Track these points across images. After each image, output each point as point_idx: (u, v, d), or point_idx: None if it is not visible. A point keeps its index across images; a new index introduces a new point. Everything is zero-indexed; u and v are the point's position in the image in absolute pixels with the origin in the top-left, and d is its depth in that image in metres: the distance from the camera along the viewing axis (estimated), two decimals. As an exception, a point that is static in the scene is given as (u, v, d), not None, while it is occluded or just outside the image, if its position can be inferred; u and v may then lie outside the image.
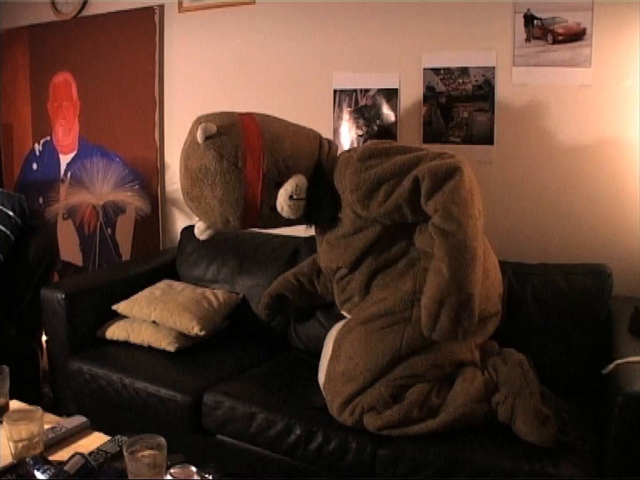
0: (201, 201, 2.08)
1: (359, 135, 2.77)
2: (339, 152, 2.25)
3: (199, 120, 2.10)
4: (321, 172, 2.13)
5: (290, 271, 2.53)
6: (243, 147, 2.02)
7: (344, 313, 2.24)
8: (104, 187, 3.54)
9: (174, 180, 3.33)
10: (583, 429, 1.89)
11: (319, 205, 2.11)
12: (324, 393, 2.05)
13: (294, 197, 2.06)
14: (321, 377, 2.13)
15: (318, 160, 2.16)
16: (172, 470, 1.36)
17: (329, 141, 2.25)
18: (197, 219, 2.22)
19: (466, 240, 1.82)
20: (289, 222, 2.17)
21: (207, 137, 2.01)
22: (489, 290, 2.04)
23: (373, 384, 1.93)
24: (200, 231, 2.23)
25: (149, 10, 3.25)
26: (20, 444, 1.52)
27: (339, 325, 2.19)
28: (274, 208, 2.09)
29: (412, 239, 2.04)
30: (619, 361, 1.76)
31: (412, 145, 2.19)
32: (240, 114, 2.13)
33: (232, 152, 2.01)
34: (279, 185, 2.06)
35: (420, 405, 1.88)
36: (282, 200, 2.07)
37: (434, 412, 1.88)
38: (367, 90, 2.73)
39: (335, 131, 2.82)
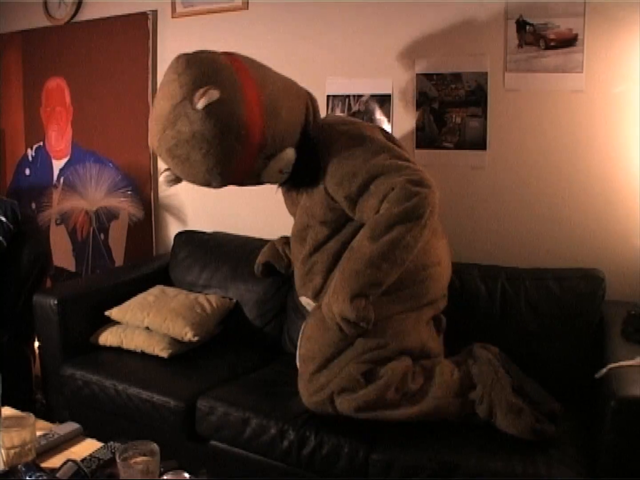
0: (185, 163, 1.93)
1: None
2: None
3: (188, 70, 1.86)
4: (307, 139, 2.09)
5: (281, 240, 2.57)
6: (245, 116, 1.89)
7: (302, 300, 2.23)
8: (97, 193, 3.54)
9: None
10: (575, 431, 1.90)
11: (302, 174, 2.09)
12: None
13: (284, 171, 2.05)
14: None
15: (305, 125, 2.11)
16: (165, 477, 1.36)
17: (311, 98, 2.19)
18: (166, 173, 2.10)
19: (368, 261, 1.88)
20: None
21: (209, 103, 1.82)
22: (441, 276, 2.12)
23: (335, 357, 1.94)
24: (169, 180, 2.10)
25: (142, 16, 3.25)
26: (12, 451, 1.50)
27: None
28: (260, 175, 2.06)
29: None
30: (611, 365, 1.77)
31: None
32: (233, 63, 1.96)
33: (234, 125, 1.87)
34: (270, 157, 2.01)
35: (397, 388, 1.89)
36: (272, 173, 2.04)
37: (410, 399, 1.90)
38: (360, 96, 2.74)
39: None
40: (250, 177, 2.07)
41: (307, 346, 2.02)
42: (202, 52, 1.97)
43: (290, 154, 2.04)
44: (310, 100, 2.18)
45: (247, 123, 1.90)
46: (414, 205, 1.86)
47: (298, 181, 2.14)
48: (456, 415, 1.92)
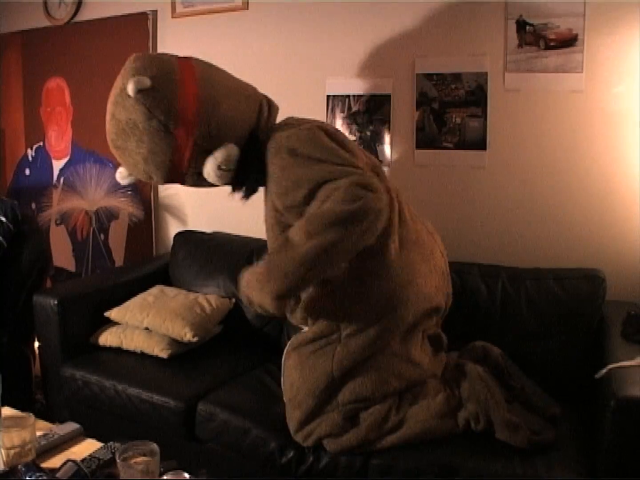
0: (125, 153, 1.99)
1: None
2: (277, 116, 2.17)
3: (134, 63, 1.97)
4: (255, 142, 2.02)
5: None
6: (176, 107, 1.90)
7: (287, 314, 2.16)
8: (97, 193, 3.54)
9: (167, 186, 3.32)
10: (575, 432, 1.91)
11: (247, 177, 2.03)
12: None
13: (222, 167, 1.99)
14: None
15: (254, 127, 2.05)
16: (165, 477, 1.36)
17: (269, 104, 2.14)
18: (120, 168, 2.15)
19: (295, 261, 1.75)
20: (215, 185, 2.10)
21: (139, 90, 1.87)
22: (417, 294, 1.96)
23: (320, 408, 1.91)
24: (123, 176, 2.13)
25: (142, 16, 3.25)
26: (12, 451, 1.51)
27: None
28: (201, 173, 2.02)
29: None
30: (611, 366, 1.77)
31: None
32: (180, 62, 2.00)
33: (163, 112, 1.89)
34: (208, 152, 1.97)
35: (379, 426, 1.87)
36: (210, 169, 1.99)
37: (393, 429, 1.88)
38: (360, 96, 2.74)
39: (329, 136, 2.82)
40: (191, 173, 2.03)
41: (291, 392, 1.98)
42: (155, 53, 2.00)
43: (229, 149, 1.97)
44: (267, 105, 2.12)
45: (179, 112, 1.91)
46: (357, 209, 1.71)
47: (249, 187, 2.08)
48: (446, 436, 1.88)
